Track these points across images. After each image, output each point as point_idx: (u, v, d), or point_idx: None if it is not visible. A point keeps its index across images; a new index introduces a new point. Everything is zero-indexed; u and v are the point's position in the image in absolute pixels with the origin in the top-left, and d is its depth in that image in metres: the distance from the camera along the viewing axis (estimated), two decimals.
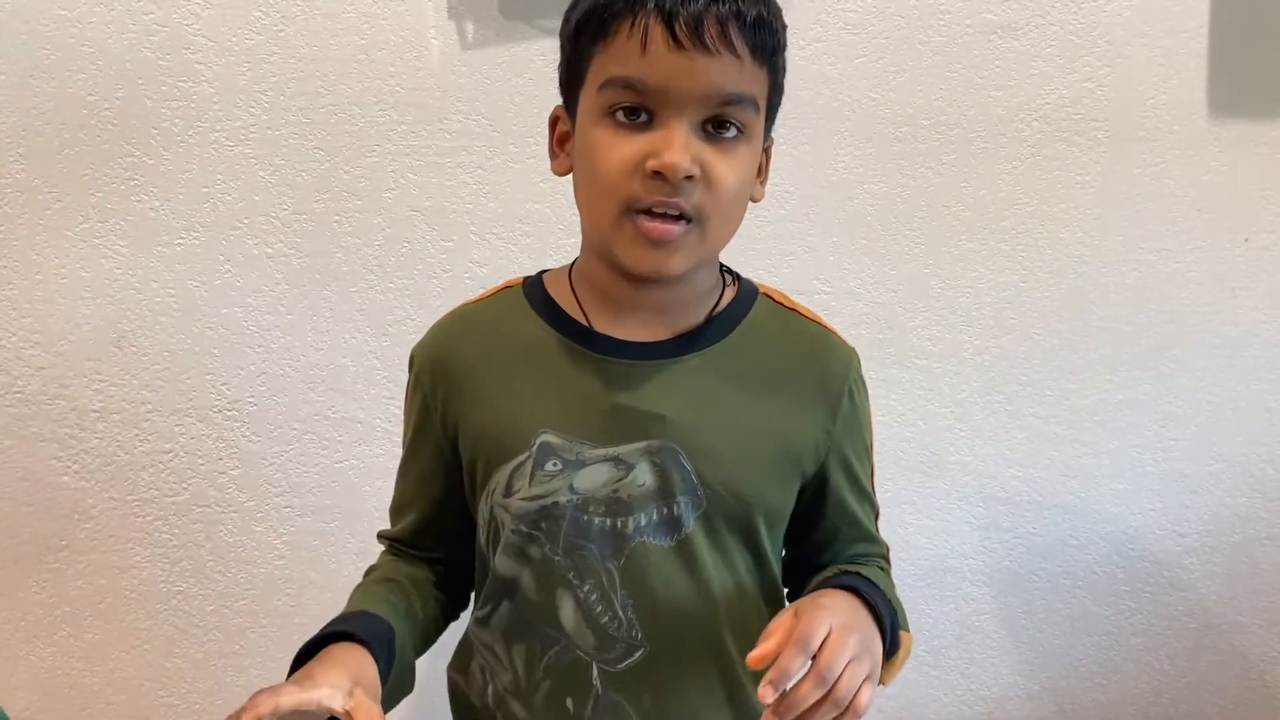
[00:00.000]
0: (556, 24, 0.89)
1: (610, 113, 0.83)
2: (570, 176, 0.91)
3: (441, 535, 1.00)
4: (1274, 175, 1.61)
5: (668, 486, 0.89)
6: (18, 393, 1.50)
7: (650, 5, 0.80)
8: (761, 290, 0.98)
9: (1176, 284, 1.63)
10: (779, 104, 0.91)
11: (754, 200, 0.91)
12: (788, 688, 0.74)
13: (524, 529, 0.90)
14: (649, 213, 0.83)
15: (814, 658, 0.75)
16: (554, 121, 0.93)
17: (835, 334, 0.99)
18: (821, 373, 0.95)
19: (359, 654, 0.82)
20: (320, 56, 1.45)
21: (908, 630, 0.92)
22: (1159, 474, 1.69)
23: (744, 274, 1.00)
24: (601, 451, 0.90)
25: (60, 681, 1.60)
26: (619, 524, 0.89)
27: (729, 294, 0.96)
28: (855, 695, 0.76)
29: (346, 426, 1.55)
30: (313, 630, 1.58)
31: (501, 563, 0.93)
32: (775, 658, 0.74)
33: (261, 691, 0.73)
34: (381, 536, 1.04)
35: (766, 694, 0.73)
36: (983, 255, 1.59)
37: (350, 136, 1.48)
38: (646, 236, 0.83)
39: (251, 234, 1.49)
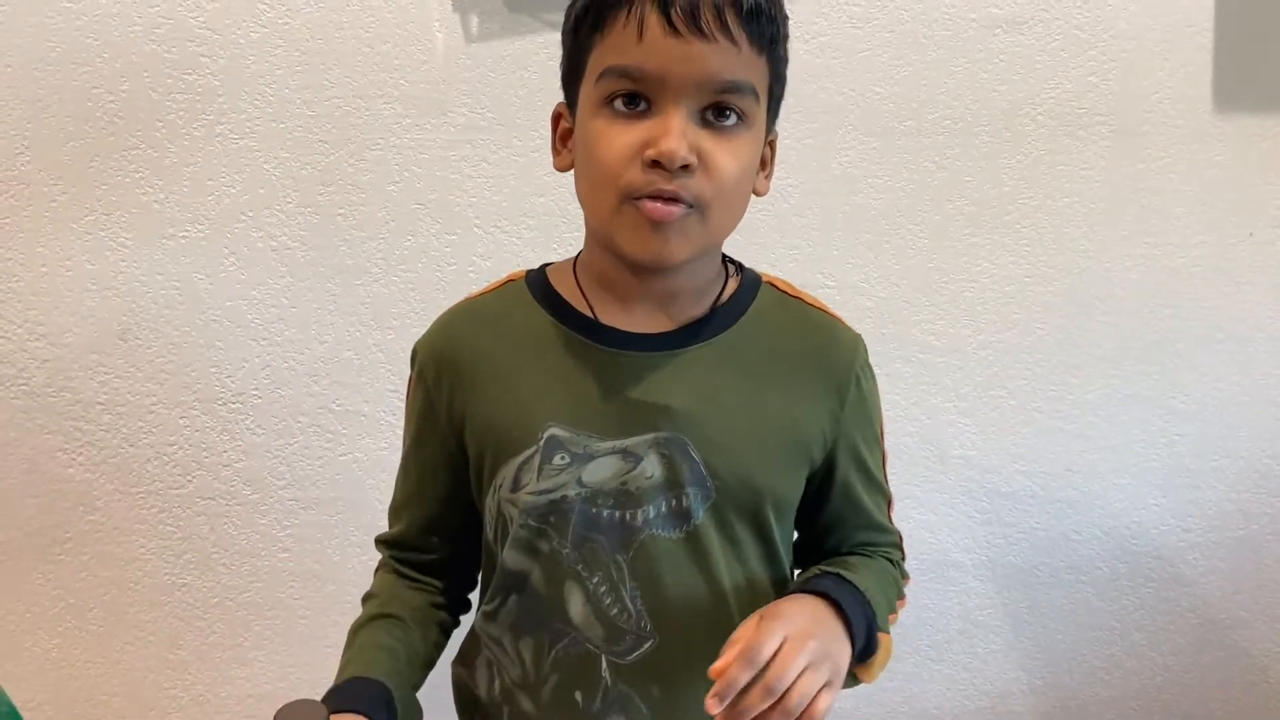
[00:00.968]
0: (560, 17, 0.89)
1: (609, 102, 0.83)
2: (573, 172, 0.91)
3: (445, 532, 0.99)
4: (1278, 169, 1.61)
5: (676, 478, 0.89)
6: (23, 385, 1.51)
7: None
8: (765, 279, 0.98)
9: (1181, 279, 1.63)
10: (781, 95, 0.91)
11: (757, 194, 0.91)
12: (739, 698, 0.75)
13: (532, 523, 0.90)
14: (650, 197, 0.82)
15: (766, 667, 0.75)
16: (556, 118, 0.93)
17: (841, 321, 0.98)
18: (827, 360, 0.95)
19: None
20: (325, 50, 1.46)
21: (887, 631, 0.92)
22: (1163, 469, 1.69)
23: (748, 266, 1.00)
24: (609, 444, 0.89)
25: (65, 673, 1.61)
26: (628, 516, 0.89)
27: (732, 284, 0.95)
28: (811, 703, 0.76)
29: (350, 419, 1.55)
30: (315, 623, 1.59)
31: (510, 557, 0.93)
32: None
33: None
34: (380, 542, 1.02)
35: (712, 705, 0.74)
36: (987, 249, 1.59)
37: (355, 130, 1.48)
38: (649, 219, 0.82)
39: (256, 227, 1.49)
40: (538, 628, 0.93)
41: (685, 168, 0.81)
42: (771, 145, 0.93)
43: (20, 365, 1.50)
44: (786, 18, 0.88)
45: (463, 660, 1.02)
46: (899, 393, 1.62)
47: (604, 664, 0.92)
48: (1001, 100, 1.55)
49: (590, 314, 0.92)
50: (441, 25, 1.46)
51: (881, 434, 1.02)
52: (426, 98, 1.48)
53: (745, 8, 0.81)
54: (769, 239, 1.54)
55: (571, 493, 0.89)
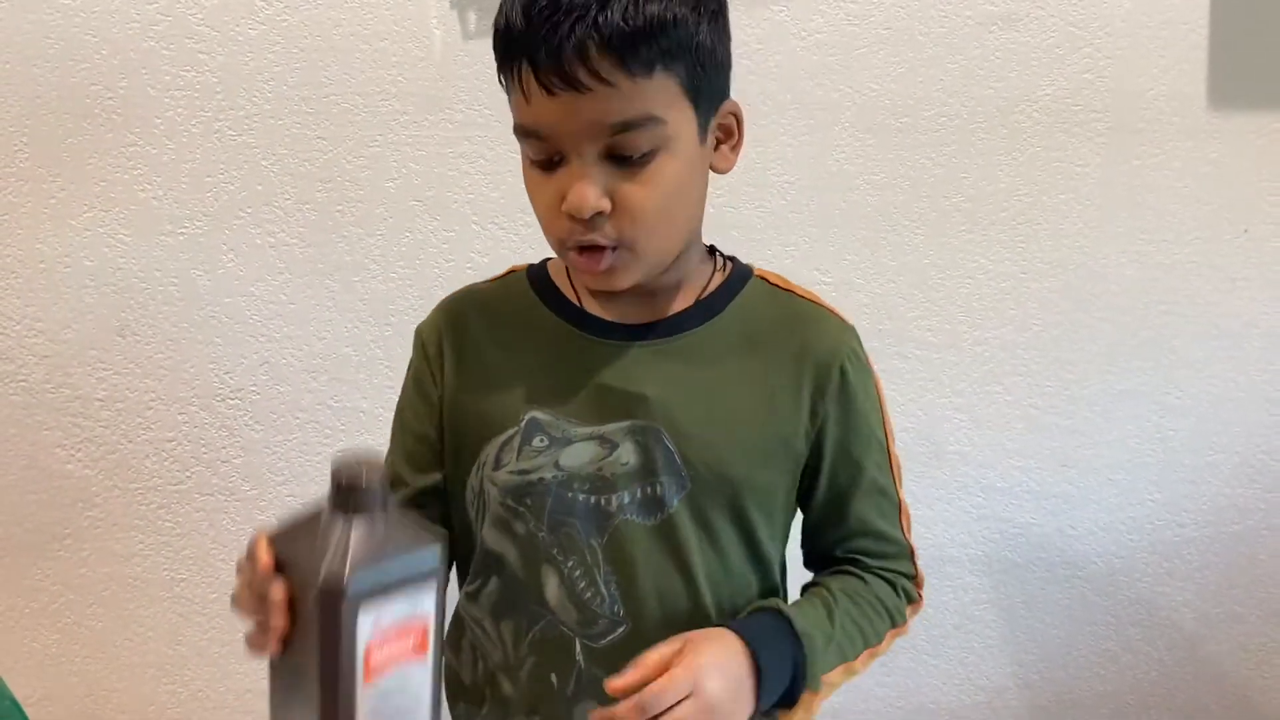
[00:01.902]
0: None
1: (528, 157, 0.86)
2: None
3: (436, 457, 0.99)
4: (1273, 167, 1.61)
5: (650, 466, 0.90)
6: (22, 381, 1.51)
7: (519, 52, 0.81)
8: (757, 273, 0.99)
9: (1176, 275, 1.63)
10: (713, 75, 0.87)
11: (720, 171, 0.91)
12: None
13: (510, 503, 0.92)
14: (578, 249, 0.85)
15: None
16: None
17: (832, 312, 0.98)
18: (810, 350, 0.94)
19: None
20: (323, 46, 1.46)
21: (815, 689, 0.89)
22: (1158, 464, 1.70)
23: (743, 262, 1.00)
24: (588, 430, 0.91)
25: (64, 668, 1.61)
26: (602, 501, 0.90)
27: (718, 278, 0.96)
28: None
29: (349, 415, 1.56)
30: None
31: (489, 536, 0.94)
32: (632, 690, 0.77)
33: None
34: None
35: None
36: (982, 246, 1.60)
37: (353, 126, 1.48)
38: (581, 272, 0.87)
39: (254, 223, 1.50)
40: (516, 611, 0.94)
41: (600, 213, 0.82)
42: (735, 116, 0.91)
43: (19, 361, 1.50)
44: (673, 18, 0.82)
45: (450, 643, 1.03)
46: (895, 389, 1.61)
47: (578, 648, 0.93)
48: (997, 97, 1.56)
49: (578, 303, 0.95)
50: (439, 22, 1.47)
51: (887, 435, 0.99)
52: (424, 94, 1.48)
53: (612, 44, 0.78)
54: (765, 235, 1.55)
55: (548, 475, 0.90)
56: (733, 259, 0.99)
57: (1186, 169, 1.60)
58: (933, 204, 1.58)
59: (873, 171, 1.56)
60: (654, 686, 0.77)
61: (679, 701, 0.77)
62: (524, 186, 0.89)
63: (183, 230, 1.49)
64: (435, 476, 0.99)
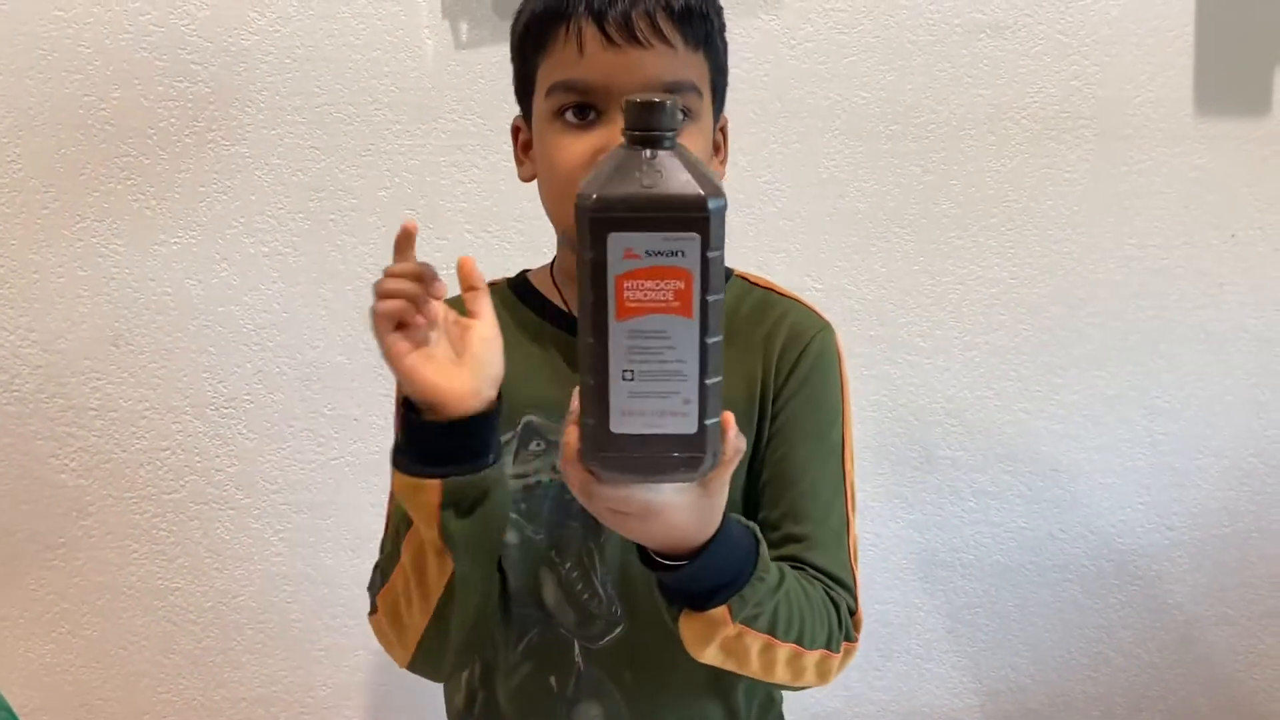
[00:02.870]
0: None
1: (560, 114, 0.87)
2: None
3: None
4: (1260, 172, 1.63)
5: None
6: (15, 391, 1.51)
7: (581, 9, 0.84)
8: (736, 273, 1.01)
9: (1164, 280, 1.64)
10: (724, 84, 0.95)
11: None
12: None
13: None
14: None
15: None
16: (515, 131, 0.98)
17: (808, 308, 0.99)
18: (777, 328, 0.95)
19: None
20: (315, 57, 1.46)
21: (733, 614, 0.79)
22: (1147, 468, 1.71)
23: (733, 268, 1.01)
24: None
25: (59, 678, 1.61)
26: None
27: None
28: None
29: (343, 424, 1.56)
30: (308, 627, 1.58)
31: None
32: None
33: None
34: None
35: None
36: (972, 252, 1.60)
37: (345, 136, 1.49)
38: None
39: (248, 233, 1.50)
40: (512, 614, 0.95)
41: None
42: (724, 132, 0.97)
43: (13, 371, 1.50)
44: (720, 9, 0.91)
45: None
46: (885, 394, 1.63)
47: (576, 649, 0.94)
48: (985, 104, 1.57)
49: (569, 310, 0.96)
50: (431, 32, 1.47)
51: (845, 430, 0.97)
52: (417, 104, 1.49)
53: (677, 11, 0.85)
54: (756, 242, 1.55)
55: (545, 478, 0.92)
56: None
57: (1173, 175, 1.61)
58: (923, 210, 1.59)
59: (863, 178, 1.57)
60: None
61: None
62: (540, 155, 0.90)
63: (176, 240, 1.49)
64: None
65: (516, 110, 0.93)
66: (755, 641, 0.82)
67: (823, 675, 0.89)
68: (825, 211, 1.57)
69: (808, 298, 1.00)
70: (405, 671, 0.96)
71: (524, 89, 0.93)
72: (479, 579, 0.86)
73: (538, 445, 0.92)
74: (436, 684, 1.05)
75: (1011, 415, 1.66)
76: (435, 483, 0.79)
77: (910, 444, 1.66)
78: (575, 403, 0.68)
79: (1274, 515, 1.75)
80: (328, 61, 1.47)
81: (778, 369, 0.94)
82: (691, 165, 0.64)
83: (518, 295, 1.00)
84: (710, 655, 0.82)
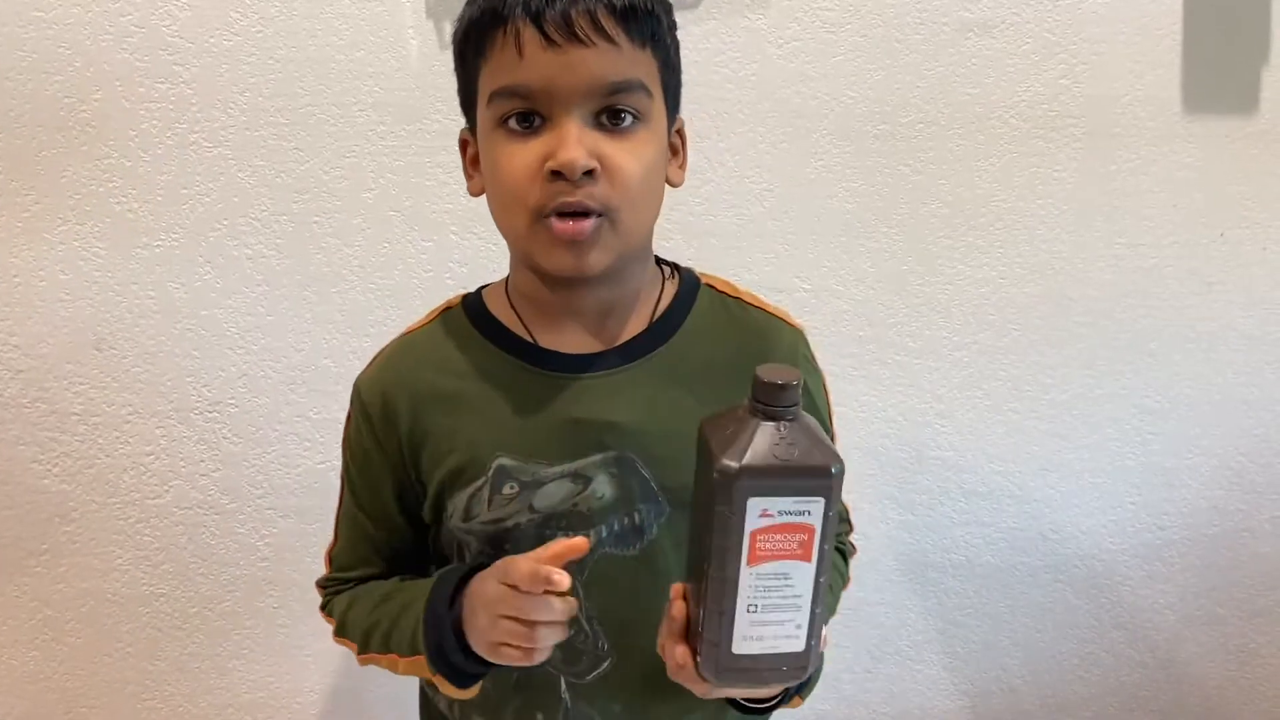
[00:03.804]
0: None
1: (504, 122, 0.83)
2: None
3: (393, 533, 0.99)
4: (1248, 170, 1.63)
5: (628, 496, 0.89)
6: None
7: (518, 10, 0.80)
8: (704, 281, 0.97)
9: (1153, 279, 1.64)
10: (678, 84, 0.90)
11: (673, 184, 0.91)
12: None
13: (489, 550, 0.90)
14: (559, 215, 0.82)
15: None
16: (463, 144, 0.94)
17: (780, 317, 0.98)
18: (768, 361, 0.94)
19: None
20: (298, 58, 1.45)
21: (804, 697, 0.92)
22: (1138, 468, 1.71)
23: (721, 272, 1.00)
24: (558, 469, 0.89)
25: (43, 685, 1.60)
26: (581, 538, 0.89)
27: (670, 290, 0.95)
28: None
29: (328, 427, 1.55)
30: (294, 632, 1.57)
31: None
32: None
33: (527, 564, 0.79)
34: (330, 580, 1.02)
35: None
36: (961, 251, 1.60)
37: (329, 137, 1.47)
38: (559, 239, 0.82)
39: (231, 235, 1.49)
40: None
41: (589, 173, 0.81)
42: (681, 134, 0.93)
43: None
44: (669, 6, 0.87)
45: (429, 684, 1.01)
46: (875, 395, 1.63)
47: (563, 685, 0.92)
48: (974, 103, 1.56)
49: (529, 338, 0.91)
50: (415, 32, 1.46)
51: (830, 421, 1.01)
52: (401, 104, 1.48)
53: (619, 7, 0.81)
54: (744, 243, 1.55)
55: (523, 519, 0.89)
56: (675, 265, 0.98)
57: (1162, 173, 1.61)
58: (911, 210, 1.58)
59: (851, 178, 1.57)
60: None
61: None
62: (486, 168, 0.86)
63: (159, 243, 1.48)
64: (392, 554, 0.99)
65: None
66: None
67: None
68: (813, 211, 1.57)
69: (796, 300, 1.00)
70: (393, 677, 0.95)
71: (468, 100, 0.89)
72: None
73: (511, 488, 0.89)
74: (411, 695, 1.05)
75: (1001, 415, 1.66)
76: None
77: (900, 444, 1.65)
78: (676, 609, 0.78)
79: (1264, 514, 1.75)
80: (311, 62, 1.46)
81: None
82: (815, 436, 0.73)
83: (474, 322, 0.94)
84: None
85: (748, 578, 0.73)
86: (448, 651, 0.85)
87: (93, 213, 1.46)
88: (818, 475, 0.72)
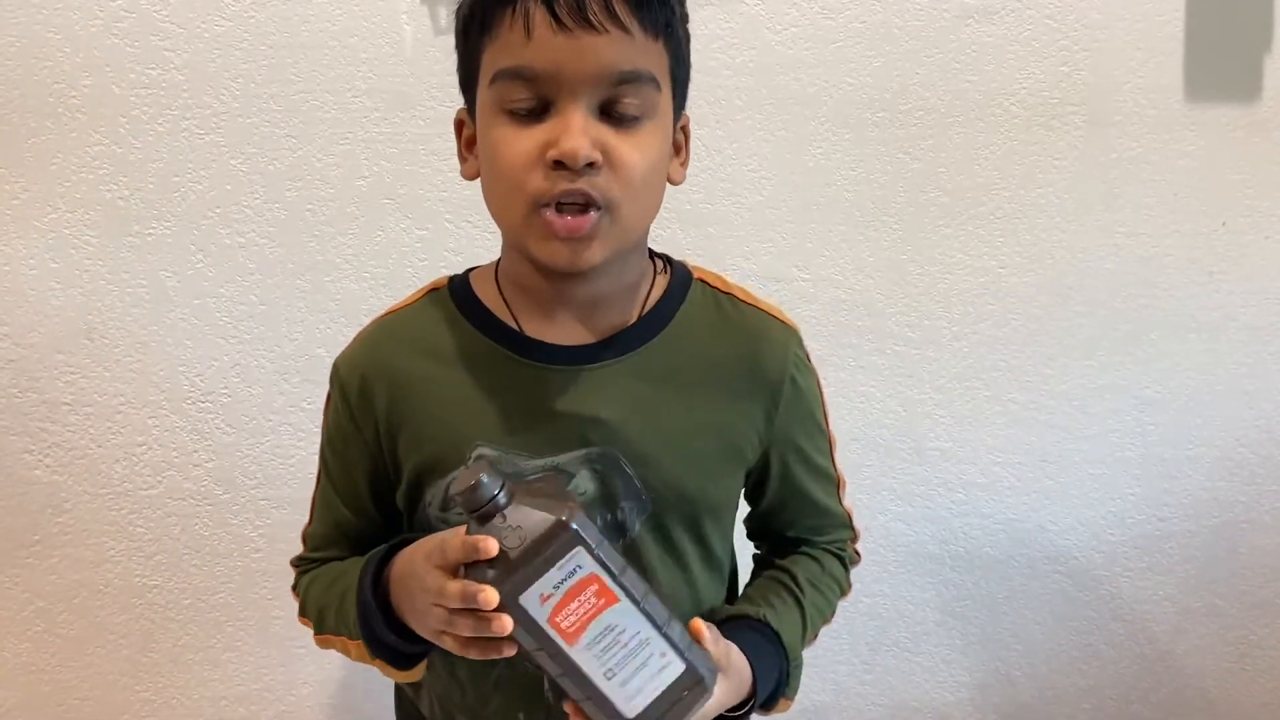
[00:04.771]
0: None
1: (505, 107, 0.80)
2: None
3: (368, 519, 0.97)
4: (1250, 159, 1.62)
5: (610, 493, 0.87)
6: None
7: None
8: (696, 275, 0.95)
9: (1154, 268, 1.63)
10: (686, 78, 0.88)
11: (674, 183, 0.88)
12: None
13: None
14: (558, 207, 0.79)
15: None
16: (459, 125, 0.91)
17: (774, 315, 0.95)
18: (759, 363, 0.92)
19: None
20: (291, 43, 1.44)
21: (790, 699, 0.94)
22: (1137, 458, 1.70)
23: (719, 261, 0.99)
24: (540, 462, 0.87)
25: (35, 677, 1.59)
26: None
27: (660, 284, 0.92)
28: None
29: (322, 417, 1.54)
30: (289, 623, 1.57)
31: None
32: None
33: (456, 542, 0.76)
34: (303, 560, 1.01)
35: None
36: (960, 240, 1.59)
37: (323, 124, 1.46)
38: (556, 233, 0.79)
39: (223, 223, 1.47)
40: None
41: (591, 165, 0.78)
42: (685, 131, 0.90)
43: None
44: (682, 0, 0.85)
45: (408, 685, 1.00)
46: (874, 385, 1.62)
47: (546, 683, 0.91)
48: (974, 91, 1.55)
49: (515, 326, 0.89)
50: (409, 18, 1.45)
51: (826, 420, 1.00)
52: (395, 91, 1.46)
53: None
54: (742, 232, 1.53)
55: None
56: (667, 258, 0.96)
57: (1163, 162, 1.60)
58: (910, 198, 1.57)
59: (850, 166, 1.56)
60: None
61: None
62: (484, 151, 0.84)
63: (150, 231, 1.47)
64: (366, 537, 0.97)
65: None
66: (800, 659, 0.96)
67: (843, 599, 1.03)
68: (812, 200, 1.55)
69: (795, 289, 0.98)
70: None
71: (468, 78, 0.86)
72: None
73: None
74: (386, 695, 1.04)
75: (1001, 406, 1.65)
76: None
77: (899, 435, 1.64)
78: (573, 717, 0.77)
79: (1264, 506, 1.74)
80: (304, 48, 1.44)
81: (770, 400, 0.93)
82: (538, 500, 0.72)
83: (459, 306, 0.91)
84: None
85: (582, 655, 0.73)
86: (379, 633, 0.84)
87: (83, 200, 1.45)
88: (557, 538, 0.71)
